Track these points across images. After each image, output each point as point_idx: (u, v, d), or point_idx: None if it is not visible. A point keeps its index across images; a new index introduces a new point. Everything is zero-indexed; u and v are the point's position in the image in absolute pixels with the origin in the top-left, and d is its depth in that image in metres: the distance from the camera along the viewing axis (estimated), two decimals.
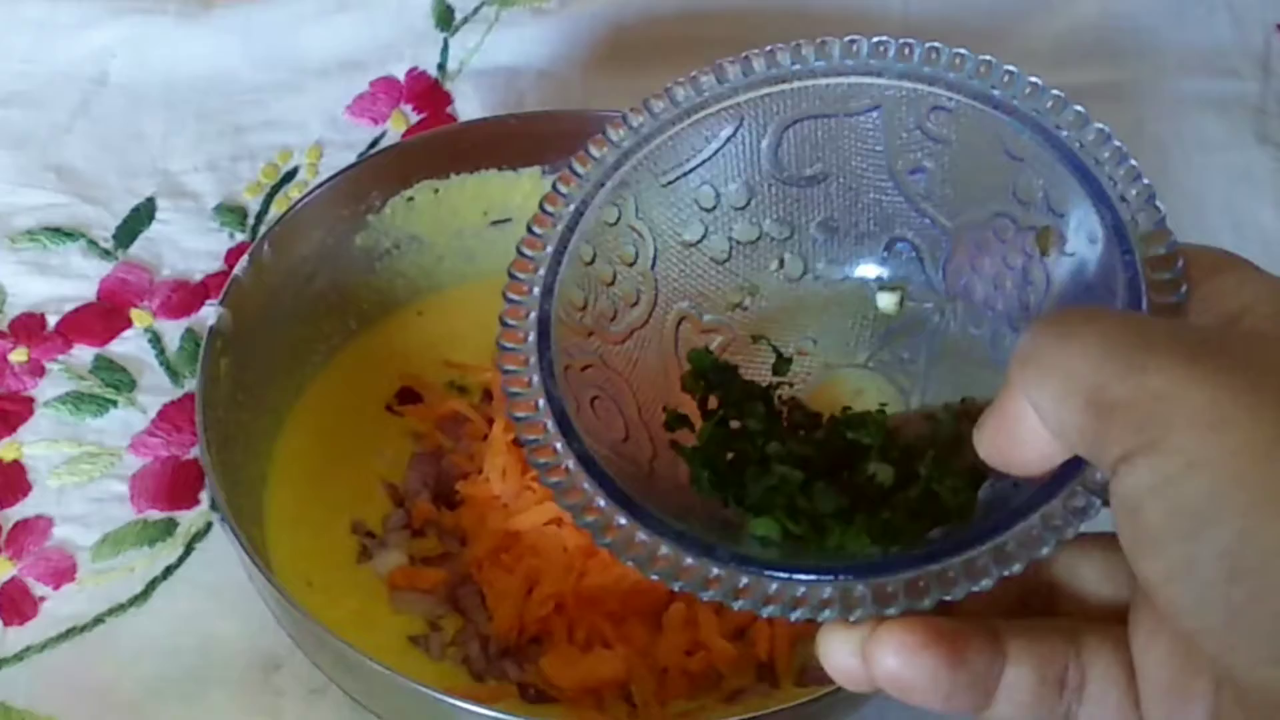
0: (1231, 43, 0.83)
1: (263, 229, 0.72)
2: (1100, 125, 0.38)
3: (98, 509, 0.62)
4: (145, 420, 0.65)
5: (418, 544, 0.60)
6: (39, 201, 0.73)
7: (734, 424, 0.41)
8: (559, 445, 0.37)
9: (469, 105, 0.78)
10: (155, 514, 0.62)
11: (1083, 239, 0.37)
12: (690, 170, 0.42)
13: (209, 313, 0.62)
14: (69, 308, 0.69)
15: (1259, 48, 0.83)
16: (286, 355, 0.62)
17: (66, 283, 0.70)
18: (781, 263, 0.43)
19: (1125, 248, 0.36)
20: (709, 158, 0.41)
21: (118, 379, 0.67)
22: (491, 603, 0.57)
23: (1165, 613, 0.31)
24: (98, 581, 0.60)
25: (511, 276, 0.40)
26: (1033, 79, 0.39)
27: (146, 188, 0.74)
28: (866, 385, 0.42)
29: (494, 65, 0.80)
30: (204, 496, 0.63)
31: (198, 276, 0.71)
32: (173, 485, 0.63)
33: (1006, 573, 0.33)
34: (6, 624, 0.59)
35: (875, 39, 0.40)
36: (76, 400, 0.66)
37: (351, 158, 0.75)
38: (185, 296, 0.70)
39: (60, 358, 0.67)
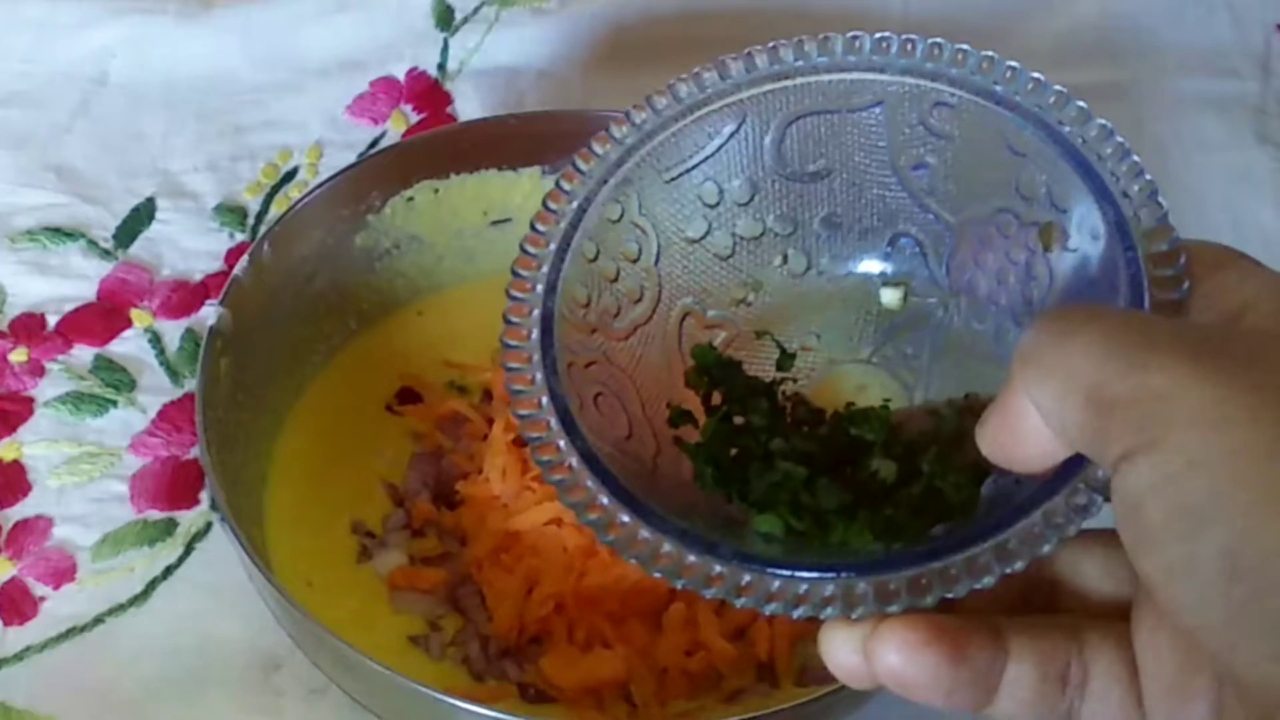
0: (1231, 43, 0.83)
1: (263, 229, 0.71)
2: (1102, 121, 0.38)
3: (98, 509, 0.62)
4: (145, 420, 0.65)
5: (418, 544, 0.60)
6: (39, 201, 0.73)
7: (738, 420, 0.41)
8: (562, 443, 0.37)
9: (469, 105, 0.78)
10: (155, 514, 0.62)
11: (1085, 234, 0.37)
12: (693, 166, 0.42)
13: (209, 313, 0.62)
14: (69, 308, 0.69)
15: (1259, 48, 0.83)
16: (286, 355, 0.62)
17: (66, 283, 0.70)
18: (785, 258, 0.43)
19: (1128, 243, 0.36)
20: (712, 154, 0.41)
21: (118, 379, 0.67)
22: (491, 603, 0.57)
23: (1166, 610, 0.31)
24: (98, 581, 0.60)
25: (515, 273, 0.40)
26: (1035, 75, 0.39)
27: (146, 188, 0.74)
28: (870, 381, 0.42)
29: (494, 65, 0.80)
30: (204, 496, 0.62)
31: (198, 276, 0.71)
32: (173, 485, 0.63)
33: (1009, 570, 0.33)
34: (6, 624, 0.59)
35: (878, 35, 0.40)
36: (76, 400, 0.66)
37: (351, 158, 0.75)
38: (185, 296, 0.70)
39: (60, 358, 0.67)
